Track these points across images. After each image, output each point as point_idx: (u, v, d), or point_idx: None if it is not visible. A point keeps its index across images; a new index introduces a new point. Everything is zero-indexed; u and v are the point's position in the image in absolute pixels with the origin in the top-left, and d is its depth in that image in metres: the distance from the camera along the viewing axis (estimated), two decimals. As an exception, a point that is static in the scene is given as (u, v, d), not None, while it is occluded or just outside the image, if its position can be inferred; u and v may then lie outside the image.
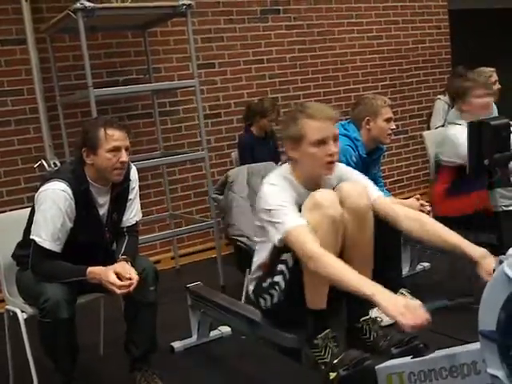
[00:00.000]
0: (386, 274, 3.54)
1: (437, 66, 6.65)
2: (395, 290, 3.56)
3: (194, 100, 4.75)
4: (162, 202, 5.03)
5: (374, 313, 3.32)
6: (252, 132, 4.94)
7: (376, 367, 2.17)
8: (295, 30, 5.68)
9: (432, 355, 1.97)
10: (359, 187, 2.44)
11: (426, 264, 4.20)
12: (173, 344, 3.30)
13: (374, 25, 6.20)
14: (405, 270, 3.94)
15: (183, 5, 4.12)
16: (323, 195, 2.32)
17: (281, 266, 2.39)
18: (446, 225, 2.35)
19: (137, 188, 2.89)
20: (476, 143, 2.29)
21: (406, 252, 3.99)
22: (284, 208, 2.30)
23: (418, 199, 3.37)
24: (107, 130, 2.62)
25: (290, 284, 2.38)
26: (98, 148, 2.62)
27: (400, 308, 1.86)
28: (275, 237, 2.31)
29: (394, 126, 3.50)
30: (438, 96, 5.90)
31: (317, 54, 5.83)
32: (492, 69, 4.68)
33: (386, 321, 3.28)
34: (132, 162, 2.85)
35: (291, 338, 2.47)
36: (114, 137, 2.63)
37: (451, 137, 3.60)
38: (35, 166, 4.38)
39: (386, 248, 3.52)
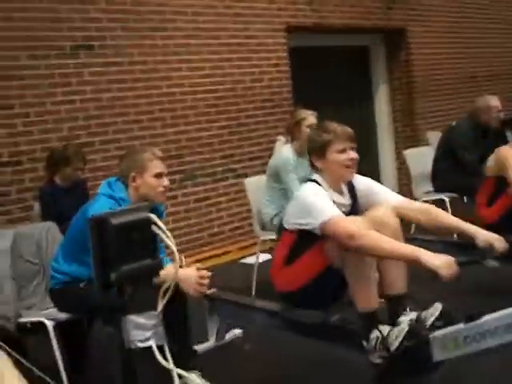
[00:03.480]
0: (175, 354, 3.05)
1: (277, 106, 6.32)
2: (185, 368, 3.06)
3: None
4: None
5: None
6: (55, 182, 4.38)
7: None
8: (114, 68, 5.15)
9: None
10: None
11: (238, 331, 3.74)
12: None
13: (206, 62, 5.79)
14: (210, 343, 3.46)
15: None
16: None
17: None
18: None
19: None
20: (99, 247, 1.51)
21: (213, 321, 3.51)
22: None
23: (198, 269, 2.91)
24: None
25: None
26: None
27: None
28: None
29: (167, 183, 3.01)
30: (278, 137, 5.59)
31: (140, 93, 5.31)
32: (309, 112, 4.34)
33: None
34: None
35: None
36: None
37: None
38: None
39: (171, 323, 3.03)
